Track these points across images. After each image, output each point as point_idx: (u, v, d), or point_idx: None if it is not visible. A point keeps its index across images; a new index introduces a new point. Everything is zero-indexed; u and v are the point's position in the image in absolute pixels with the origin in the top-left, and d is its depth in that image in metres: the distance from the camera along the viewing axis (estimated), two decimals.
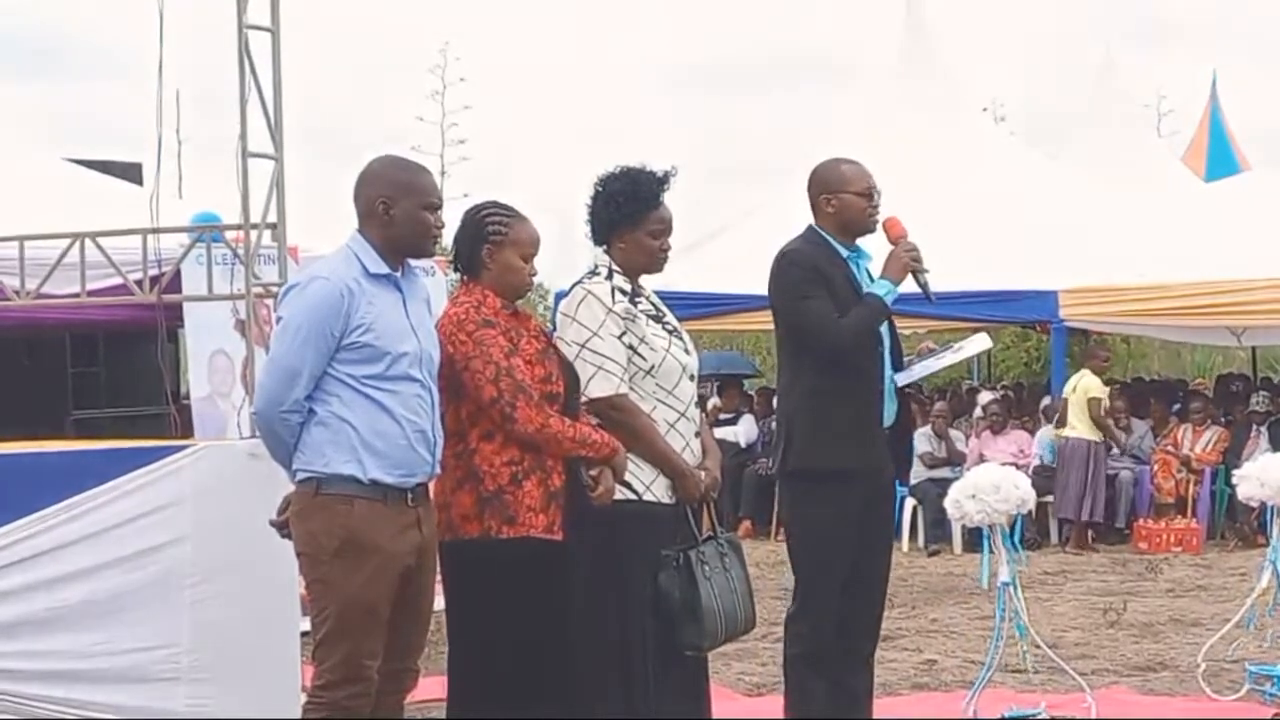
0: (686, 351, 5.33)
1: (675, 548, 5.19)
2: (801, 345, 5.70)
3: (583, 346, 5.13)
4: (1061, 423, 13.74)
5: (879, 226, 5.76)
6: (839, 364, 5.54)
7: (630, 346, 5.17)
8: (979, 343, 6.18)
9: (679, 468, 5.20)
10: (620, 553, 5.09)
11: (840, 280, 5.64)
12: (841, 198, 5.70)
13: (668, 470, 5.20)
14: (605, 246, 5.32)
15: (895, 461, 5.80)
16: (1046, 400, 15.17)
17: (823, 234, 5.73)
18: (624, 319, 5.17)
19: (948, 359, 5.79)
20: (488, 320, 4.92)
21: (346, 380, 4.65)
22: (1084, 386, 13.76)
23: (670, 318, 5.39)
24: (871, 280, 5.72)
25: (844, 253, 5.70)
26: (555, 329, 5.29)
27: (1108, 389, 14.09)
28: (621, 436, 5.08)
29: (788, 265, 5.69)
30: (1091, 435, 13.49)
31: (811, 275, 5.61)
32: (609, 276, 5.24)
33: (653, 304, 5.36)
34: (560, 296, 15.36)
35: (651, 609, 5.12)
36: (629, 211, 5.25)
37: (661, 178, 5.29)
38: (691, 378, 5.33)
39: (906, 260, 5.68)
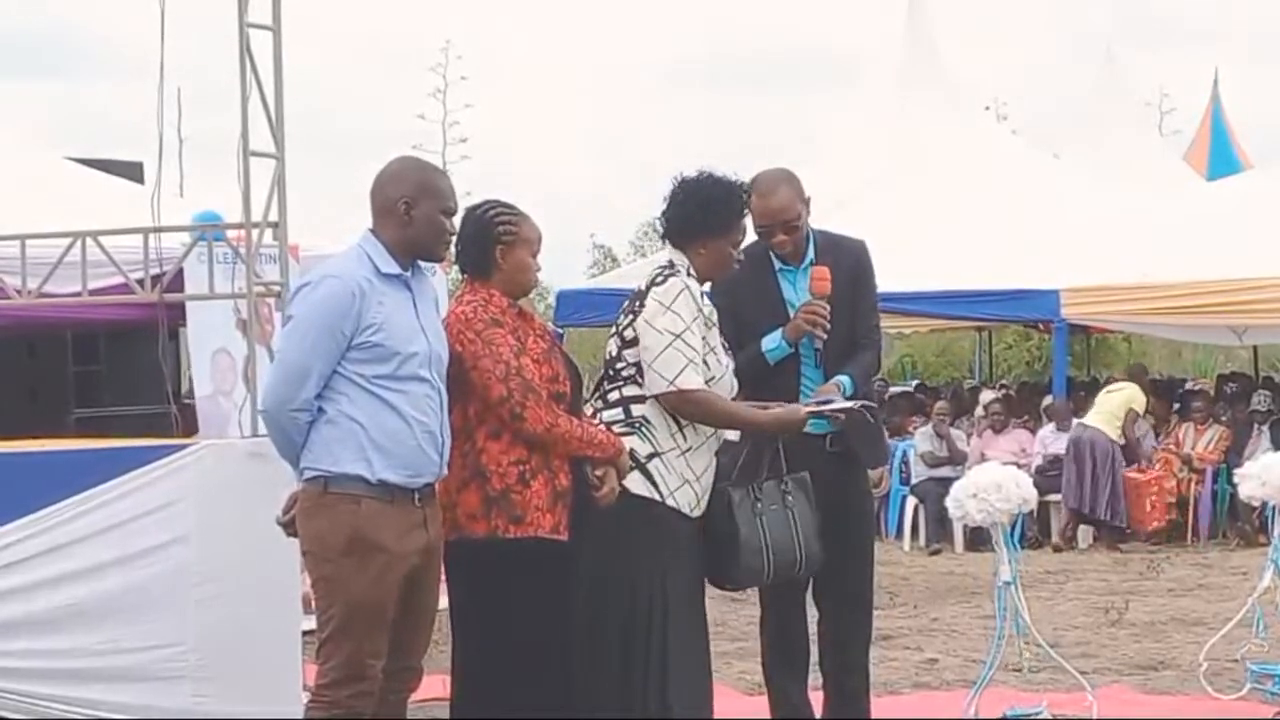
0: (735, 371, 5.34)
1: (728, 482, 5.23)
2: None
3: (677, 336, 5.08)
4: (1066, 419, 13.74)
5: (807, 276, 5.59)
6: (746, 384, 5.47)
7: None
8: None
9: (777, 417, 5.24)
10: (628, 553, 5.09)
11: (763, 289, 5.60)
12: (750, 214, 5.60)
13: (772, 425, 5.24)
14: (683, 250, 5.26)
15: (855, 466, 5.75)
16: (1047, 399, 15.16)
17: (766, 244, 5.69)
18: (706, 324, 5.17)
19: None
20: (495, 319, 4.91)
21: (356, 379, 4.65)
22: (1129, 395, 13.73)
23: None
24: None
25: (778, 265, 5.67)
26: (636, 314, 5.17)
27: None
28: (710, 421, 5.13)
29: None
30: (1110, 433, 13.48)
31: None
32: (687, 277, 5.22)
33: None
34: (562, 295, 15.45)
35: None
36: (723, 219, 5.24)
37: (745, 187, 5.32)
38: (732, 397, 5.32)
39: (799, 323, 5.54)
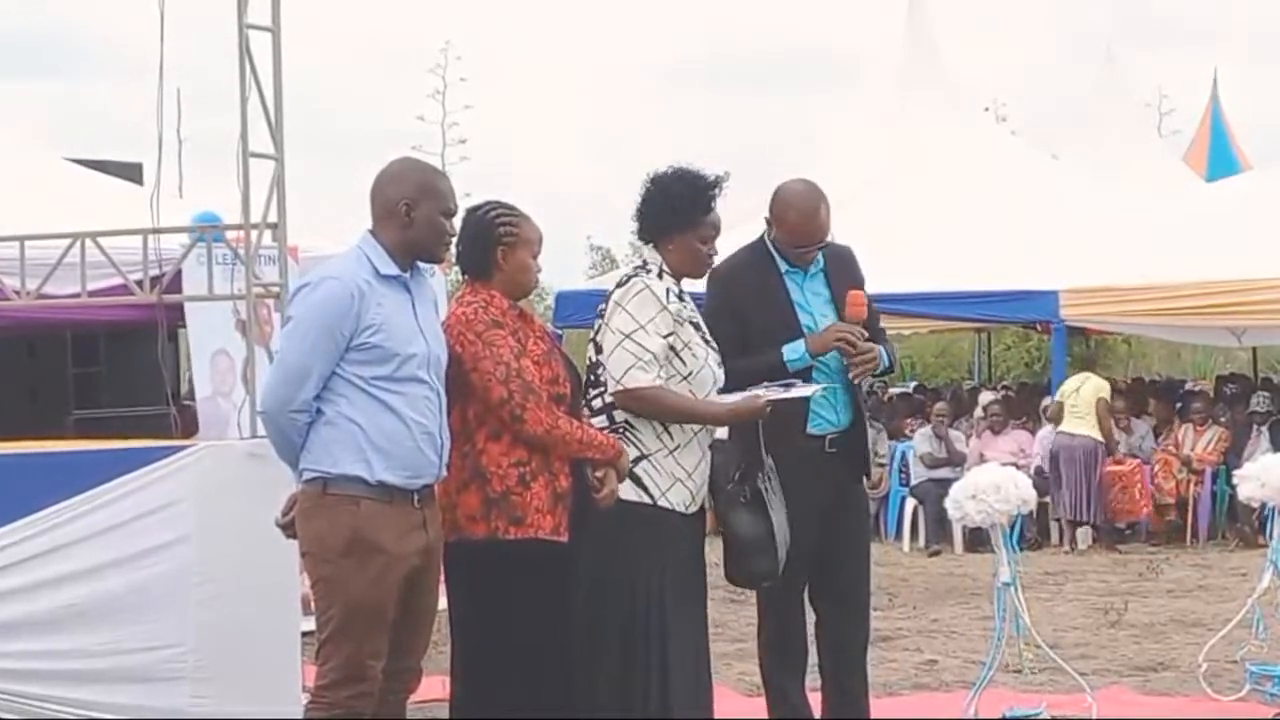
0: (719, 364, 5.33)
1: (740, 480, 5.24)
2: None
3: (627, 336, 5.11)
4: (1055, 422, 13.73)
5: (846, 299, 5.63)
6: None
7: (673, 349, 5.16)
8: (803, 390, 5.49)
9: (733, 409, 5.22)
10: (626, 555, 5.10)
11: (770, 292, 5.62)
12: (779, 232, 5.65)
13: (727, 417, 5.22)
14: (653, 246, 5.30)
15: (852, 467, 5.78)
16: (1046, 401, 15.17)
17: (768, 243, 5.71)
18: (675, 320, 5.17)
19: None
20: (496, 321, 4.91)
21: (354, 381, 4.65)
22: (1096, 386, 13.78)
23: (704, 326, 5.36)
24: (819, 293, 5.67)
25: (784, 267, 5.68)
26: (602, 317, 5.22)
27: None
28: (663, 417, 5.11)
29: (709, 288, 5.69)
30: (1096, 435, 13.51)
31: (719, 301, 5.58)
32: (660, 276, 5.24)
33: (693, 311, 5.33)
34: (561, 296, 15.46)
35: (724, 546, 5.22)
36: (685, 215, 5.25)
37: (714, 182, 5.30)
38: (718, 392, 5.31)
39: (830, 342, 5.55)
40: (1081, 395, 13.66)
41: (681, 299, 5.26)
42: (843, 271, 5.75)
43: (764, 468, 5.34)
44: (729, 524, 5.26)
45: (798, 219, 5.62)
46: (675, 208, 5.24)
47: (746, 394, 5.30)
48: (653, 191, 5.29)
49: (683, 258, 5.27)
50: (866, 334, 5.59)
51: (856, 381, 5.65)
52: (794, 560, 5.53)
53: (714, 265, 5.62)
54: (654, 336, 5.11)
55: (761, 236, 5.74)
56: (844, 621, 5.82)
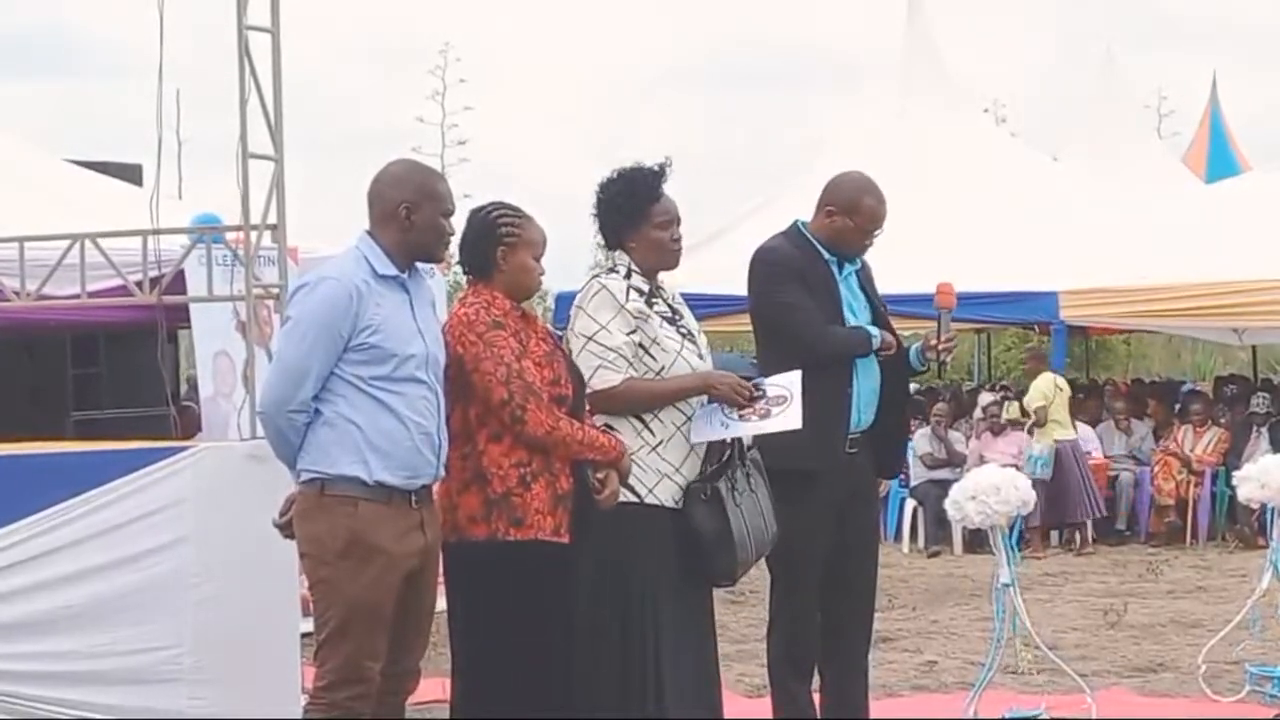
0: (700, 356, 5.32)
1: (705, 478, 5.21)
2: (771, 344, 5.72)
3: (590, 339, 5.14)
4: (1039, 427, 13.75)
5: (937, 288, 5.98)
6: (804, 366, 5.45)
7: (641, 346, 5.17)
8: (788, 420, 5.26)
9: (700, 380, 5.21)
10: (621, 555, 5.10)
11: (820, 280, 5.65)
12: (848, 221, 5.67)
13: (698, 385, 5.20)
14: (619, 249, 5.32)
15: (880, 464, 5.83)
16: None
17: (807, 233, 5.73)
18: (636, 318, 5.17)
19: (746, 428, 5.26)
20: (497, 321, 4.91)
21: (353, 381, 4.66)
22: (1063, 385, 13.80)
23: (687, 320, 5.38)
24: (854, 294, 5.73)
25: (826, 255, 5.70)
26: (567, 324, 5.29)
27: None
28: (639, 409, 5.12)
29: (764, 263, 5.71)
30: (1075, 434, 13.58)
31: (787, 273, 5.60)
32: (627, 275, 5.25)
33: (670, 305, 5.34)
34: (561, 298, 15.46)
35: (682, 544, 5.15)
36: (631, 211, 5.26)
37: (657, 171, 5.31)
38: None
39: (935, 353, 5.81)
40: (1064, 400, 13.65)
41: (654, 295, 5.28)
42: (868, 277, 5.85)
43: (740, 466, 5.28)
44: (688, 521, 5.19)
45: (874, 204, 5.70)
46: (620, 206, 5.27)
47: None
48: (599, 198, 5.32)
49: (647, 251, 5.28)
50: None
51: (944, 359, 5.89)
52: (810, 558, 5.53)
53: (762, 249, 5.71)
54: (616, 334, 5.13)
55: (796, 227, 5.76)
56: (848, 621, 5.81)
